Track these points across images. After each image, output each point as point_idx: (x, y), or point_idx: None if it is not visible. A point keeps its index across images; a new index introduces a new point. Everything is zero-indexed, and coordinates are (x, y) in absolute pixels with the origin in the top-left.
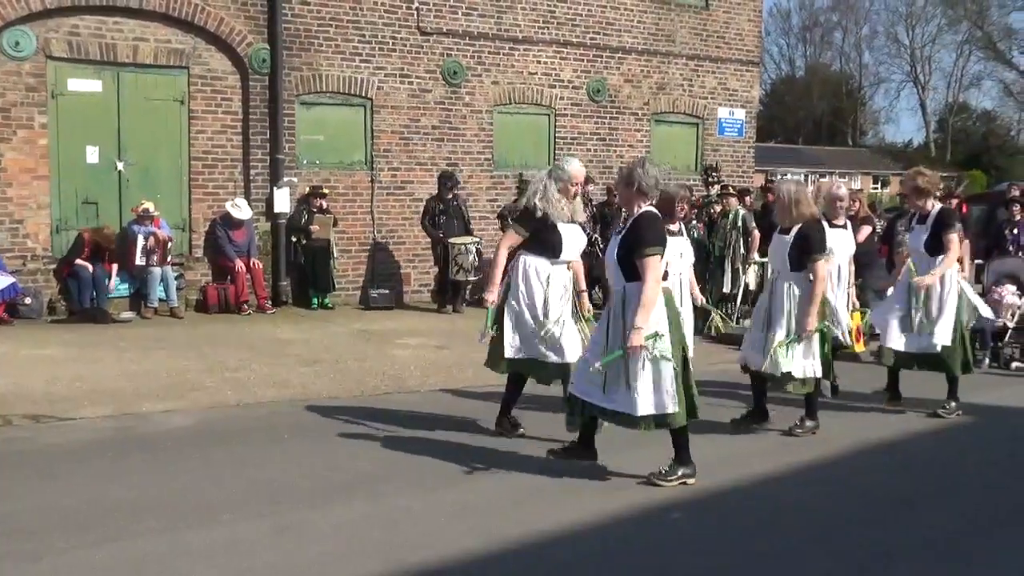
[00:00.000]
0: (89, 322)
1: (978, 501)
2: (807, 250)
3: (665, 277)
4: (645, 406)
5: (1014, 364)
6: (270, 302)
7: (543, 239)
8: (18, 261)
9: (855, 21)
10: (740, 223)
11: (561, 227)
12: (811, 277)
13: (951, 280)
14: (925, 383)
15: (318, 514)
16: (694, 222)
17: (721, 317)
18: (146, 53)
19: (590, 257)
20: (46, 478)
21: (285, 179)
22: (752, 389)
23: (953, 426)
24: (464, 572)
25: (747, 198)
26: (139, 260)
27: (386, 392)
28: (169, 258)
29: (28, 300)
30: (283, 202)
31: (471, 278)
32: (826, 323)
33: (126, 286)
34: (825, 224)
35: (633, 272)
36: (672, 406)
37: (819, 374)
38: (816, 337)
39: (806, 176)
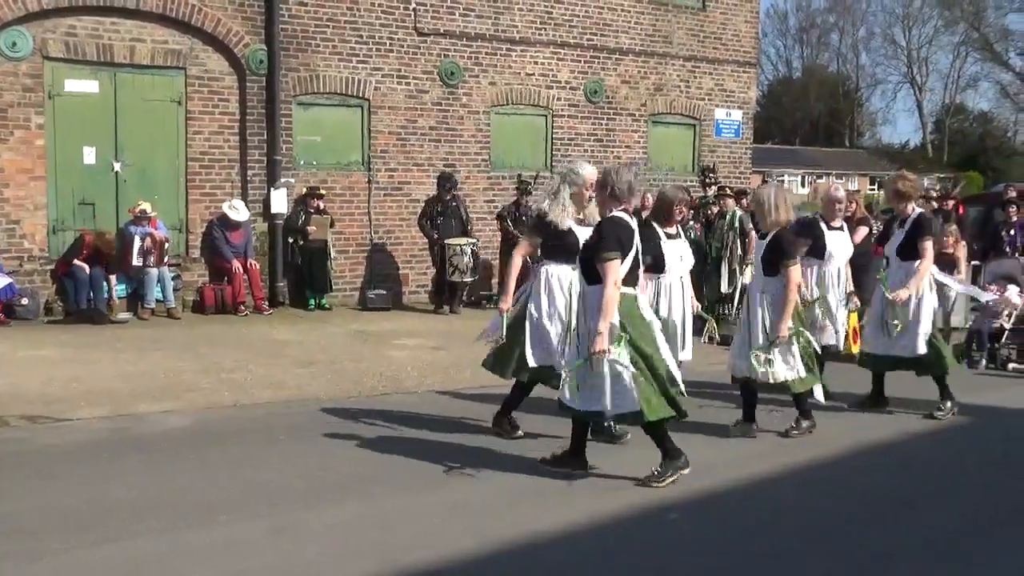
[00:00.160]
0: (86, 323)
1: (977, 501)
2: (780, 255)
3: (659, 270)
4: (610, 406)
5: (1011, 365)
6: (267, 303)
7: (560, 245)
8: (15, 262)
9: (852, 22)
10: (737, 224)
11: (577, 231)
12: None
13: (924, 286)
14: (920, 384)
15: (314, 514)
16: (691, 223)
17: (716, 324)
18: (143, 54)
19: None
20: (43, 479)
21: (282, 180)
22: (741, 395)
23: (951, 427)
24: (460, 573)
25: (744, 199)
26: (136, 261)
27: (383, 393)
28: (166, 259)
29: (25, 301)
30: (280, 203)
31: (467, 279)
32: (800, 327)
33: (123, 287)
34: (824, 225)
35: (595, 275)
36: (632, 405)
37: (802, 374)
38: (795, 340)
39: (803, 177)
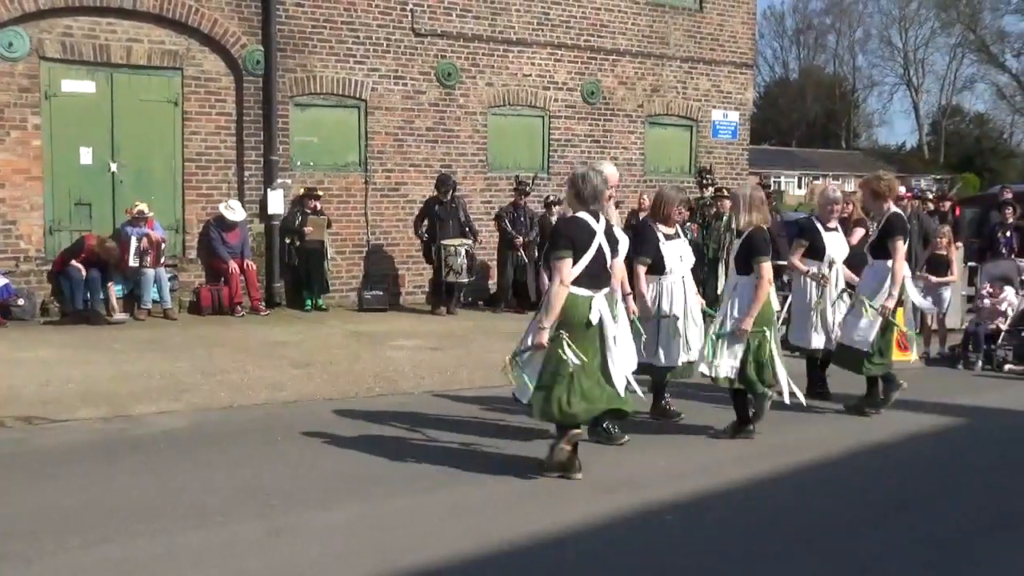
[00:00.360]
0: (82, 323)
1: (975, 503)
2: (752, 251)
3: (660, 271)
4: (533, 396)
5: (1007, 366)
6: (264, 304)
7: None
8: (11, 262)
9: (848, 24)
10: (734, 225)
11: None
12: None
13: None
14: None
15: (313, 515)
16: (688, 225)
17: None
18: (140, 54)
19: None
20: (40, 480)
21: (279, 181)
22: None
23: (948, 428)
24: (460, 573)
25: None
26: (132, 261)
27: (380, 394)
28: (163, 259)
29: (21, 301)
30: (277, 204)
31: (462, 280)
32: (764, 328)
33: (120, 287)
34: (819, 226)
35: (550, 274)
36: (524, 397)
37: (729, 375)
38: (752, 342)
39: (800, 179)
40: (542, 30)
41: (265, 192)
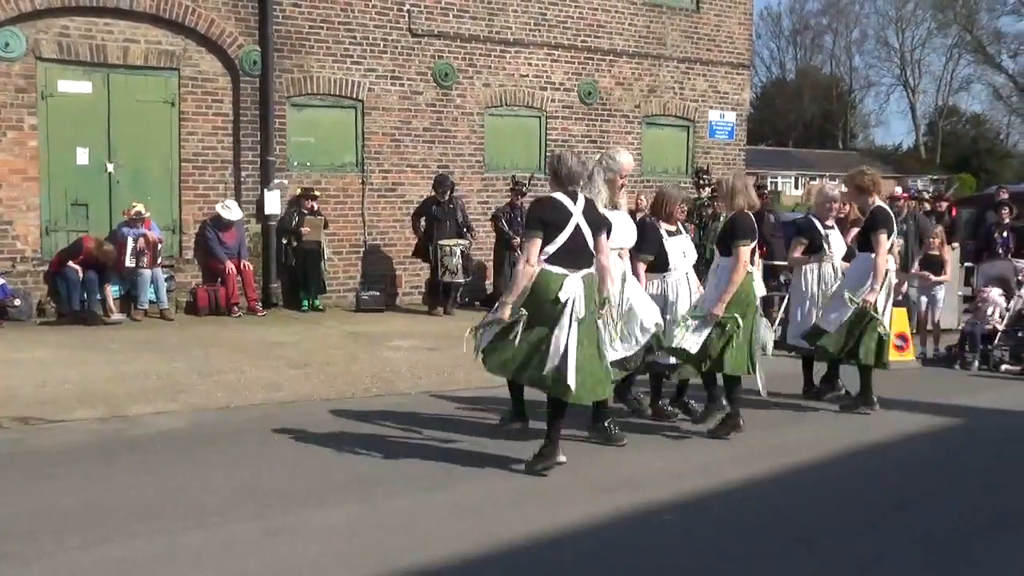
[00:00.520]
0: (79, 324)
1: (972, 503)
2: (733, 235)
3: (663, 268)
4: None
5: (1004, 367)
6: (260, 304)
7: None
8: (7, 263)
9: (845, 24)
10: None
11: (608, 216)
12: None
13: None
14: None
15: (311, 516)
16: (685, 224)
17: None
18: (136, 54)
19: None
20: (37, 480)
21: (276, 181)
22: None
23: (944, 428)
24: (458, 573)
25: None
26: (129, 262)
27: (377, 394)
28: (159, 260)
29: (17, 302)
30: (274, 204)
31: (458, 279)
32: (735, 314)
33: (116, 288)
34: (818, 224)
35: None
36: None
37: (691, 350)
38: (725, 326)
39: (796, 179)
40: (539, 30)
41: (262, 192)
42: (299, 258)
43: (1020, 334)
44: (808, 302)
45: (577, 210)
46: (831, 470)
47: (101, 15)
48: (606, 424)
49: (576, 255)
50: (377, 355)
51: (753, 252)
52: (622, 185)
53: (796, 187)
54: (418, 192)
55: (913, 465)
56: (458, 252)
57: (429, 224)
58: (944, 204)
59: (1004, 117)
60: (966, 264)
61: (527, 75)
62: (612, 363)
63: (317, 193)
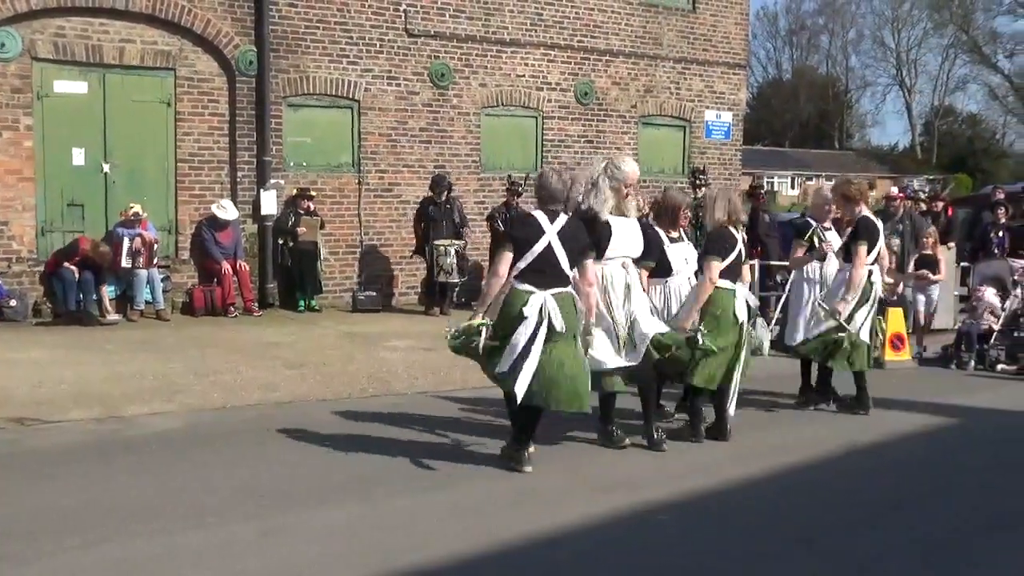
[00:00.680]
0: (75, 324)
1: (969, 503)
2: (704, 249)
3: (665, 273)
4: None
5: (1000, 366)
6: (257, 304)
7: (596, 238)
8: (3, 263)
9: (841, 24)
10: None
11: (611, 222)
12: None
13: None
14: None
15: (309, 516)
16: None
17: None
18: (132, 55)
19: None
20: (34, 481)
21: (272, 181)
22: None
23: (941, 428)
24: (455, 573)
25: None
26: (125, 262)
27: (374, 395)
28: (155, 260)
29: (13, 302)
30: (270, 204)
31: (453, 279)
32: (701, 328)
33: (112, 288)
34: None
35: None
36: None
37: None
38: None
39: (793, 179)
40: (535, 31)
41: (258, 193)
42: (295, 258)
43: (1016, 334)
44: (809, 304)
45: (552, 229)
46: (829, 470)
47: (97, 15)
48: (611, 427)
49: (545, 274)
50: (374, 355)
51: (736, 268)
52: (627, 194)
53: (792, 187)
54: (414, 192)
55: (910, 465)
56: (453, 252)
57: (425, 224)
58: (940, 204)
59: (1000, 117)
60: (962, 264)
61: (523, 75)
62: (620, 373)
63: (313, 193)
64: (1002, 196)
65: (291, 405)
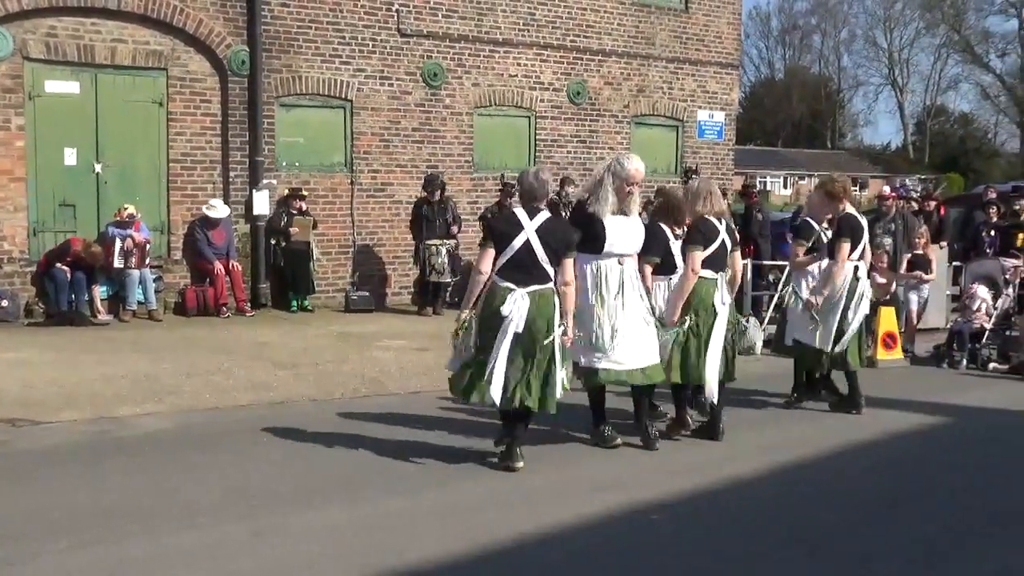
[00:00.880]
0: (67, 325)
1: (962, 502)
2: (686, 240)
3: (670, 271)
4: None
5: (991, 365)
6: (249, 305)
7: (587, 233)
8: None
9: (834, 24)
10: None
11: (608, 220)
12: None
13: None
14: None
15: (301, 517)
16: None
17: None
18: (124, 55)
19: None
20: (24, 482)
21: (264, 181)
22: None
23: (934, 427)
24: (448, 573)
25: (725, 200)
26: (117, 263)
27: (366, 395)
28: (147, 260)
29: (4, 303)
30: (262, 204)
31: (444, 279)
32: (689, 318)
33: (104, 289)
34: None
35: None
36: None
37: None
38: (675, 330)
39: (785, 179)
40: (528, 30)
41: (250, 193)
42: (288, 258)
43: (1007, 332)
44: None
45: (531, 226)
46: (823, 469)
47: (89, 15)
48: (601, 427)
49: (524, 270)
50: (366, 355)
51: (718, 258)
52: (629, 192)
53: (785, 187)
54: (407, 192)
55: (904, 464)
56: (444, 252)
57: (419, 224)
58: (932, 204)
59: (992, 116)
60: (954, 263)
61: (516, 75)
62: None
63: (306, 193)
64: (994, 195)
65: (283, 405)
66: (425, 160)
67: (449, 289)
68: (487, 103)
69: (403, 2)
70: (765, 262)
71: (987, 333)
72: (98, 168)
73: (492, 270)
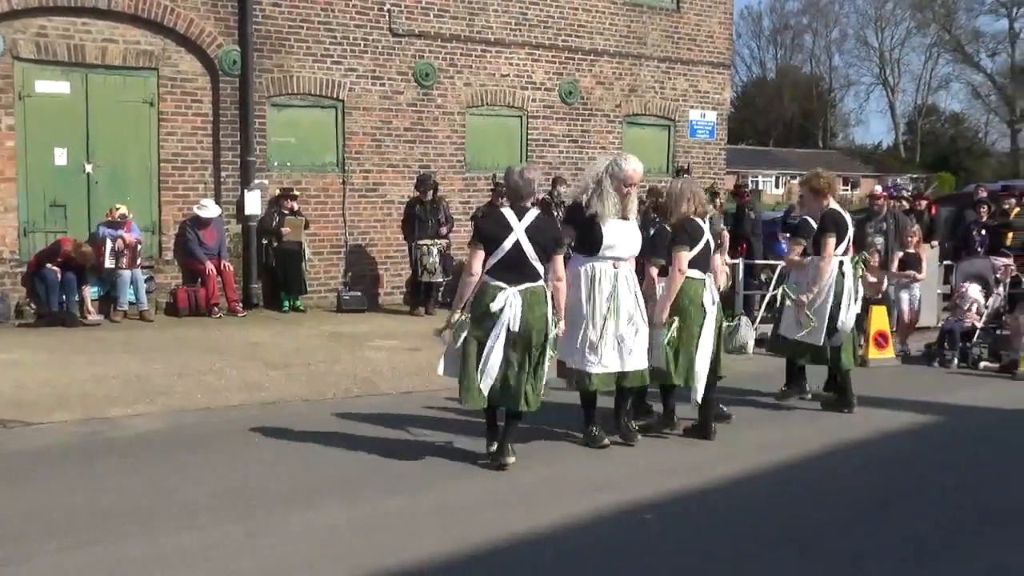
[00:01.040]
0: (58, 326)
1: (954, 500)
2: (671, 240)
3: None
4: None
5: (982, 364)
6: (241, 305)
7: (584, 235)
8: None
9: (825, 24)
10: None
11: (608, 223)
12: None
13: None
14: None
15: (294, 518)
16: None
17: None
18: (115, 54)
19: None
20: (16, 483)
21: (256, 181)
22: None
23: (925, 426)
24: (440, 573)
25: (717, 199)
26: (108, 263)
27: (358, 395)
28: (139, 261)
29: None
30: (254, 204)
31: (436, 279)
32: (675, 318)
33: (95, 289)
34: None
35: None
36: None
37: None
38: (664, 333)
39: (777, 178)
40: (520, 30)
41: (242, 193)
42: (280, 258)
43: (998, 331)
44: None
45: (520, 226)
46: (815, 468)
47: (79, 15)
48: (590, 428)
49: (514, 270)
50: (359, 355)
51: (704, 258)
52: (627, 193)
53: (777, 186)
54: (399, 192)
55: (896, 463)
56: (435, 251)
57: (411, 223)
58: (923, 203)
59: (982, 116)
60: (945, 262)
61: (508, 75)
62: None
63: (297, 193)
64: (984, 194)
65: (275, 406)
66: (417, 160)
67: (441, 289)
68: (479, 103)
69: (395, 2)
70: (757, 261)
71: (978, 332)
72: (89, 168)
73: (482, 270)
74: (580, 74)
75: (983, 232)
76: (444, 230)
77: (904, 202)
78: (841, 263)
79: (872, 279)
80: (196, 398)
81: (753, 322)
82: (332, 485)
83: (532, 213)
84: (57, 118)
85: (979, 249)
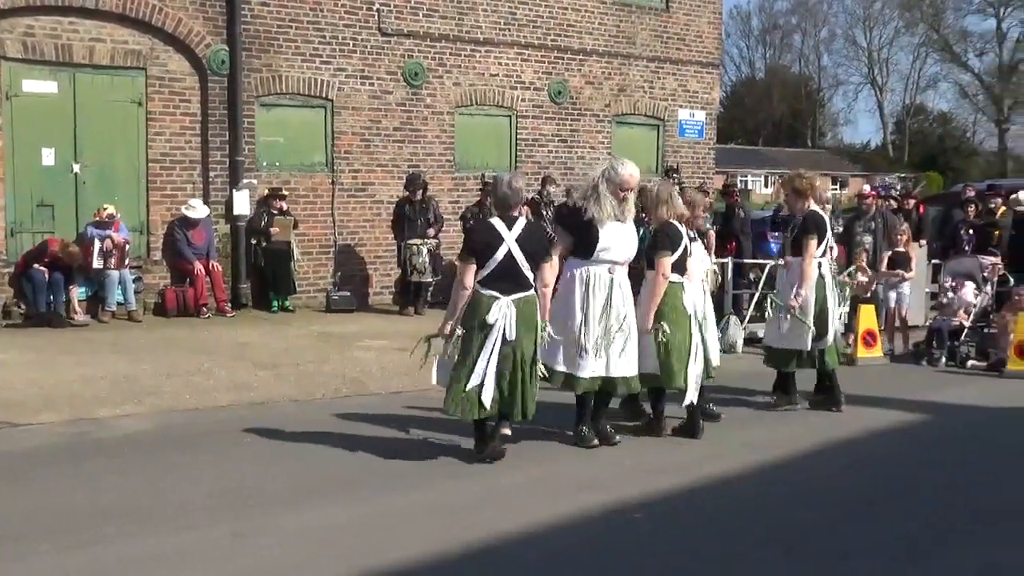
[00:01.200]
0: (45, 326)
1: (943, 499)
2: (653, 245)
3: (680, 272)
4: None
5: (970, 362)
6: (230, 305)
7: (580, 238)
8: None
9: (814, 24)
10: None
11: (605, 227)
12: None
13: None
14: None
15: (285, 518)
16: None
17: None
18: (103, 54)
19: None
20: (5, 484)
21: (245, 181)
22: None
23: (913, 424)
24: (430, 572)
25: (707, 199)
26: (96, 263)
27: (347, 395)
28: (127, 261)
29: None
30: (243, 204)
31: (425, 279)
32: (663, 324)
33: (83, 290)
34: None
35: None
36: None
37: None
38: (652, 337)
39: (766, 178)
40: (509, 30)
41: (230, 193)
42: (268, 258)
43: (986, 330)
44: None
45: (511, 236)
46: (803, 467)
47: (67, 14)
48: (580, 427)
49: (507, 279)
50: (348, 356)
51: (682, 262)
52: (624, 197)
53: (766, 185)
54: (388, 192)
55: (884, 461)
56: (424, 251)
57: (401, 223)
58: (912, 202)
59: (970, 115)
60: (933, 261)
61: (497, 74)
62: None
63: (286, 193)
64: (972, 194)
65: (264, 406)
66: (406, 160)
67: (431, 289)
68: (468, 102)
69: (384, 1)
70: (746, 260)
71: (966, 330)
72: (76, 168)
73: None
74: (569, 74)
75: (971, 231)
76: (432, 231)
77: (892, 201)
78: (820, 264)
79: (863, 279)
80: (184, 398)
81: (742, 321)
82: (320, 485)
83: (520, 222)
84: (45, 118)
85: (966, 248)
